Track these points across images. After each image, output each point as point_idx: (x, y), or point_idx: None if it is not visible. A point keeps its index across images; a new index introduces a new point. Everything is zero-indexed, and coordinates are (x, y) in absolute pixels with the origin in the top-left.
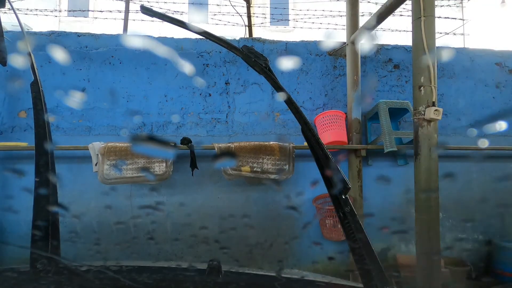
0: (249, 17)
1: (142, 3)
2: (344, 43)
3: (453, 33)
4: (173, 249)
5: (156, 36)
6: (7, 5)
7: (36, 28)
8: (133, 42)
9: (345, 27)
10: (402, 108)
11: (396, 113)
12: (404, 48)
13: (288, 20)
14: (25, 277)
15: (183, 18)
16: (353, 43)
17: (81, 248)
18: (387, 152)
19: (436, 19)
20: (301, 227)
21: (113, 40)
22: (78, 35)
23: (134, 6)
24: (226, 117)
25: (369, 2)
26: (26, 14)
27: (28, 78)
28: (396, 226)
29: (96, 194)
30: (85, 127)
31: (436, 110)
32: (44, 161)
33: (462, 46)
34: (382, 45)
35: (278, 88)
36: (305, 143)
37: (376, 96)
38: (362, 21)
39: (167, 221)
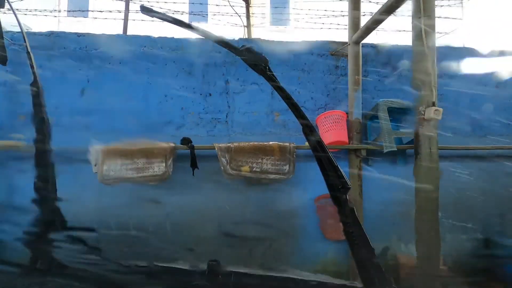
0: (248, 17)
1: (142, 3)
2: (346, 42)
3: (453, 32)
4: (173, 249)
5: (156, 36)
6: (6, 5)
7: (35, 29)
8: (133, 42)
9: (346, 27)
10: (404, 108)
11: (398, 113)
12: (404, 48)
13: (289, 20)
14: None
15: (183, 18)
16: (355, 42)
17: (79, 248)
18: (387, 152)
19: (436, 19)
20: (301, 227)
21: (113, 40)
22: (78, 35)
23: (134, 6)
24: (226, 117)
25: (370, 1)
26: (26, 14)
27: (27, 79)
28: (396, 225)
29: (95, 194)
30: (85, 127)
31: (436, 110)
32: (43, 161)
33: (462, 46)
34: (383, 45)
35: (278, 88)
36: (306, 143)
37: (377, 96)
38: (363, 20)
39: (166, 221)
